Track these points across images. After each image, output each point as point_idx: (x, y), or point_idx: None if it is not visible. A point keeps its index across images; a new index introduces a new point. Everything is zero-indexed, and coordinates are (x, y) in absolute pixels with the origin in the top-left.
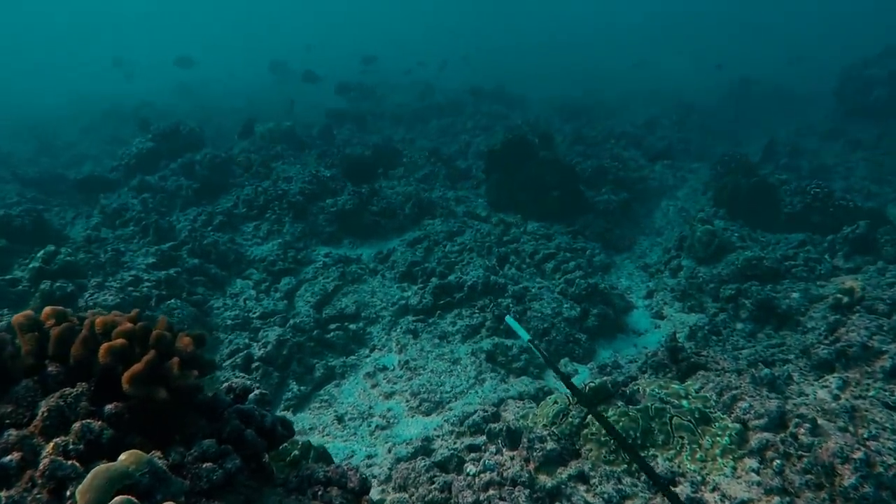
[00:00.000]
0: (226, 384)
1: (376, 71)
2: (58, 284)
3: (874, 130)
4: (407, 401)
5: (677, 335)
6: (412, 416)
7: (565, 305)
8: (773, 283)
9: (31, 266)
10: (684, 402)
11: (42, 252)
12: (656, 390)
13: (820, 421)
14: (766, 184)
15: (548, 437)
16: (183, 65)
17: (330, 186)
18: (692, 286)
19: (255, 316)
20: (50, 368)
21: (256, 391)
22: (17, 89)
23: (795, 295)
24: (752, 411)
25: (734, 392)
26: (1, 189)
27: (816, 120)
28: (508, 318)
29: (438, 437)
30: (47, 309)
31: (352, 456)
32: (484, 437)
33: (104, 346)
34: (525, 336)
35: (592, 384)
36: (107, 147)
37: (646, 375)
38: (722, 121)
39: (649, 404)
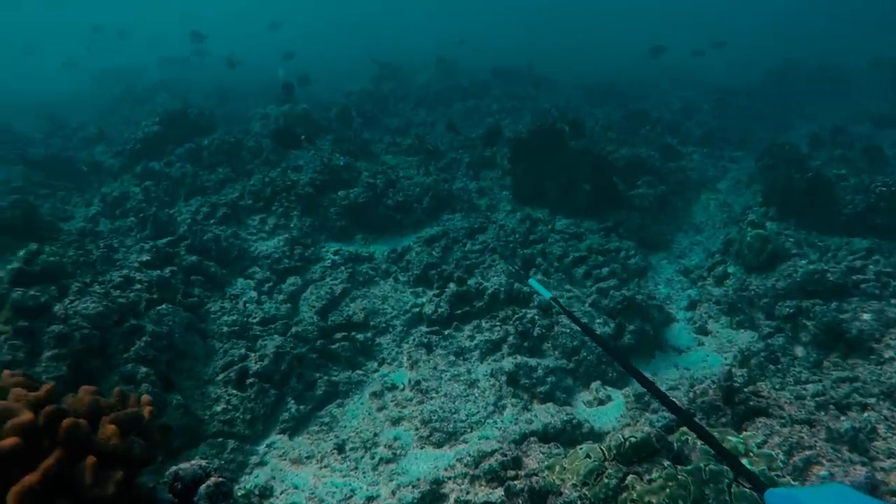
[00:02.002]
0: (172, 470)
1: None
2: (31, 293)
3: None
4: (416, 429)
5: (730, 368)
6: (421, 448)
7: (598, 321)
8: (838, 300)
9: (9, 267)
10: (745, 462)
11: (23, 252)
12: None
13: None
14: (823, 179)
15: (579, 502)
16: (196, 39)
17: (343, 177)
18: (742, 299)
19: (254, 321)
20: None
21: (210, 481)
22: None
23: (867, 317)
24: None
25: (808, 453)
26: (8, 171)
27: (868, 104)
28: (531, 280)
29: (450, 478)
30: None
31: (351, 496)
32: (502, 493)
33: None
34: (547, 294)
35: (634, 439)
36: (121, 128)
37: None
38: (763, 104)
39: (702, 465)
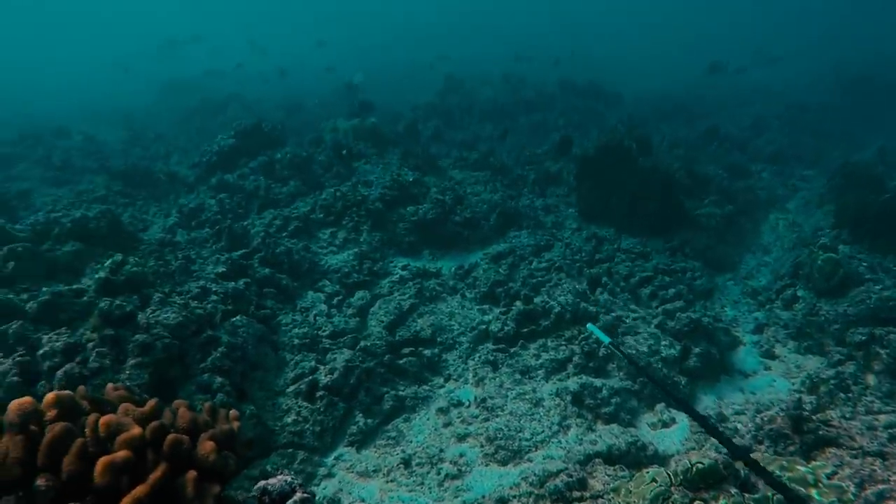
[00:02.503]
0: (260, 485)
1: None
2: (117, 303)
3: None
4: (482, 445)
5: (799, 395)
6: (486, 465)
7: (663, 343)
8: None
9: (97, 276)
10: (814, 494)
11: (109, 261)
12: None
13: None
14: None
15: None
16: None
17: (412, 192)
18: (811, 324)
19: (324, 335)
20: (39, 482)
21: (297, 496)
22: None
23: None
24: None
25: (881, 487)
26: (91, 180)
27: None
28: (589, 325)
29: (515, 497)
30: (49, 396)
31: None
32: None
33: (102, 461)
34: (606, 339)
35: (701, 465)
36: (196, 139)
37: (762, 447)
38: (836, 120)
39: (770, 494)
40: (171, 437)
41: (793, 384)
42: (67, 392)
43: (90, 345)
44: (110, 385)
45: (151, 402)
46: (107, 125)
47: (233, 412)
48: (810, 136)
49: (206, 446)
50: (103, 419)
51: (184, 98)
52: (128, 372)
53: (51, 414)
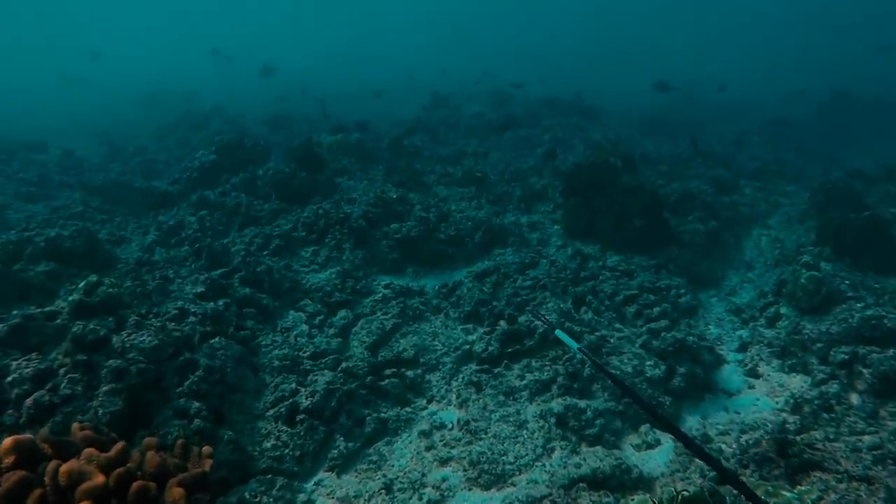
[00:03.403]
0: None
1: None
2: (90, 327)
3: None
4: (465, 469)
5: (783, 417)
6: (469, 490)
7: (648, 363)
8: None
9: (70, 299)
10: None
11: (83, 283)
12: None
13: None
14: (880, 220)
15: None
16: (267, 73)
17: (395, 209)
18: (794, 343)
19: (305, 356)
20: None
21: None
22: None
23: None
24: None
25: None
26: (67, 197)
27: None
28: (557, 332)
29: None
30: (7, 442)
31: None
32: None
33: None
34: (574, 345)
35: (686, 493)
36: (177, 153)
37: (747, 472)
38: (816, 137)
39: None
40: (136, 485)
41: (777, 403)
42: (27, 436)
43: (62, 371)
44: (76, 425)
45: (118, 447)
46: (85, 139)
47: (206, 449)
48: (791, 151)
49: (175, 493)
50: (64, 467)
51: (163, 111)
52: (100, 399)
53: (8, 461)
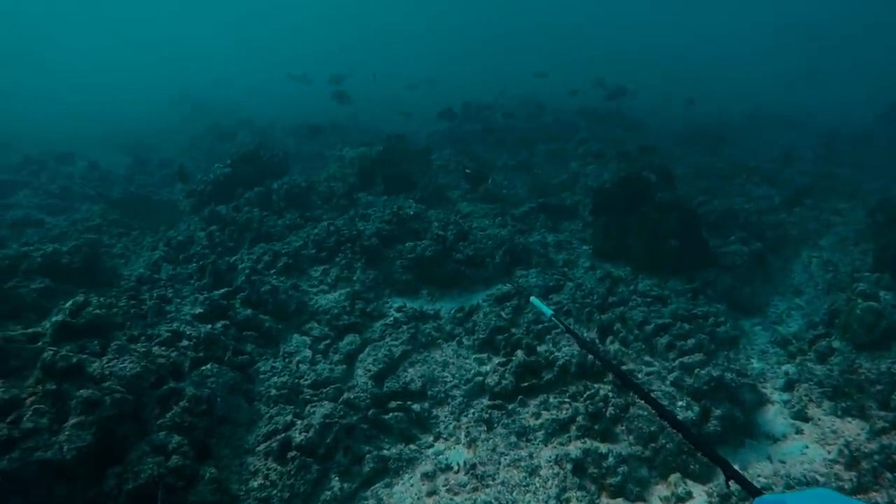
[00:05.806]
0: None
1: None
2: (62, 353)
3: None
4: None
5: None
6: None
7: (680, 403)
8: None
9: (54, 320)
10: None
11: (70, 303)
12: None
13: None
14: None
15: None
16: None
17: (412, 227)
18: (849, 383)
19: (306, 384)
20: None
21: None
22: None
23: None
24: None
25: None
26: (88, 209)
27: None
28: (532, 298)
29: None
30: None
31: None
32: None
33: None
34: (548, 312)
35: None
36: (204, 165)
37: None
38: (873, 151)
39: None
40: None
41: (829, 453)
42: None
43: (29, 401)
44: None
45: None
46: (115, 150)
47: None
48: (845, 166)
49: None
50: None
51: (204, 121)
52: (67, 433)
53: None
